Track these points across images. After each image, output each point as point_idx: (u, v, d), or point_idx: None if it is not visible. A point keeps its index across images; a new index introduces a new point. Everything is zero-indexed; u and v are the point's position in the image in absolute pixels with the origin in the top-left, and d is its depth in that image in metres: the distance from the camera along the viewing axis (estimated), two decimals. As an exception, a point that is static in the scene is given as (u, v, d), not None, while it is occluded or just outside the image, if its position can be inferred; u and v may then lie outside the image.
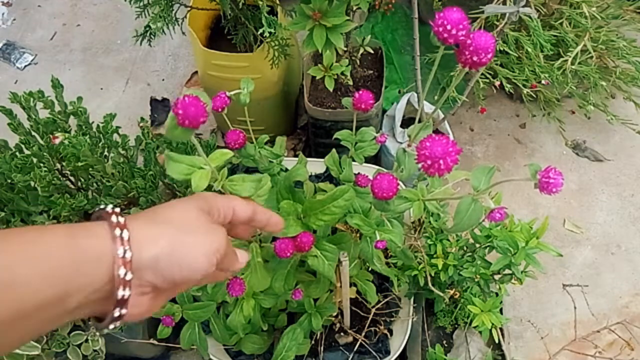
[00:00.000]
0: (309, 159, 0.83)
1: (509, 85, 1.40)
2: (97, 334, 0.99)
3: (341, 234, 0.71)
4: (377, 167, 1.15)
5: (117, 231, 0.35)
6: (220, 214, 0.43)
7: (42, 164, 0.93)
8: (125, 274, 0.34)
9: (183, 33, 1.23)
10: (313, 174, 1.15)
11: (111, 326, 0.37)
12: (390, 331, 1.05)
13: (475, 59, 0.42)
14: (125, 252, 0.34)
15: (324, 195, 0.60)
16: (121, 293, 0.35)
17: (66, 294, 0.32)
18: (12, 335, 0.32)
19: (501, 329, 1.18)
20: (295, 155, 0.84)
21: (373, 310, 1.01)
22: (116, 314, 0.35)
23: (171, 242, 0.37)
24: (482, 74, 1.39)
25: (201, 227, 0.39)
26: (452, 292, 1.08)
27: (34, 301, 0.31)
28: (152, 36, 1.15)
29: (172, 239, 0.37)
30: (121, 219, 0.35)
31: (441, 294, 1.00)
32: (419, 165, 0.44)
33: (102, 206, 0.38)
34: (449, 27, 0.42)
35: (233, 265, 0.45)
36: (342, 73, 1.15)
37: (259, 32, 1.06)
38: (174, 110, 0.39)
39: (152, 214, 0.39)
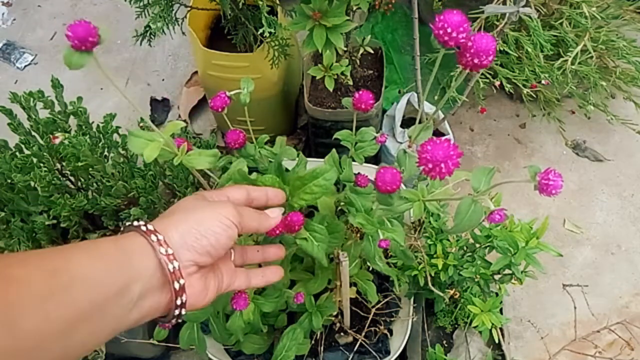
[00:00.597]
0: (309, 159, 0.83)
1: (509, 85, 1.40)
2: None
3: (334, 224, 0.70)
4: (377, 167, 1.15)
5: (143, 227, 0.42)
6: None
7: (42, 164, 0.93)
8: (167, 250, 0.41)
9: (183, 33, 1.23)
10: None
11: (178, 310, 0.43)
12: (390, 331, 1.05)
13: (476, 61, 0.42)
14: (157, 237, 0.42)
15: (304, 173, 0.59)
16: (171, 266, 0.41)
17: (127, 283, 0.39)
18: (85, 332, 0.36)
19: (501, 329, 1.18)
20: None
21: (373, 310, 1.01)
22: (176, 286, 0.42)
23: (189, 223, 0.44)
24: (482, 74, 1.39)
25: (205, 205, 0.47)
26: (452, 292, 1.08)
27: (104, 293, 0.37)
28: (152, 36, 1.15)
29: (188, 220, 0.44)
30: (142, 222, 0.43)
31: (441, 294, 1.00)
32: (420, 168, 0.44)
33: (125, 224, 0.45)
34: (449, 30, 0.42)
35: (264, 222, 0.51)
36: (342, 73, 1.15)
37: (259, 32, 1.06)
38: (66, 35, 0.40)
39: (164, 213, 0.47)
